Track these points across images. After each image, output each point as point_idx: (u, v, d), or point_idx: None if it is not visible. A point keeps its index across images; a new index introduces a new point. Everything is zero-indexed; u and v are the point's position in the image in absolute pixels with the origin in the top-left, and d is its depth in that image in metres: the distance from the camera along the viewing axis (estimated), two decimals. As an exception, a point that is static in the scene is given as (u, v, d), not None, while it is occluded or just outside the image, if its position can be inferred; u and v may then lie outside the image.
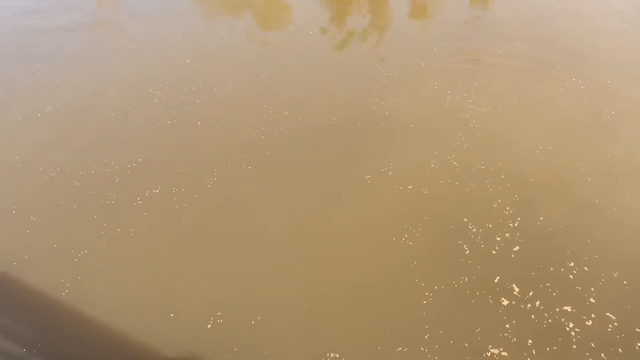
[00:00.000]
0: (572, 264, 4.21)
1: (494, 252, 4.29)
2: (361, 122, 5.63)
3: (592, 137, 5.44)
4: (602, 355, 3.66)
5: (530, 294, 4.00)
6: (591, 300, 3.97)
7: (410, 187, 4.85)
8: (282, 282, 4.11)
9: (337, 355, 3.65)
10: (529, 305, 3.93)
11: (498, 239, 4.37)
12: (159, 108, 5.93)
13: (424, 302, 3.95)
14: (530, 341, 3.73)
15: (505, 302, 3.94)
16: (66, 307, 3.98)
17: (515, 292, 4.01)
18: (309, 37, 7.32)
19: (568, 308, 3.92)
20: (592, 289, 4.04)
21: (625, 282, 4.08)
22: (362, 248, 4.34)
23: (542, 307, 3.93)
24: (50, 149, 5.40)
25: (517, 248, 4.32)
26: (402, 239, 4.38)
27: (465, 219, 4.55)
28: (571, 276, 4.13)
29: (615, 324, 3.83)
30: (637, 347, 3.70)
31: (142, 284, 4.12)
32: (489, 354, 3.63)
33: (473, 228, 4.47)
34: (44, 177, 5.06)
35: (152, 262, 4.28)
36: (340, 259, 4.25)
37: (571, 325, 3.82)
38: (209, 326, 3.83)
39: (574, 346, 3.70)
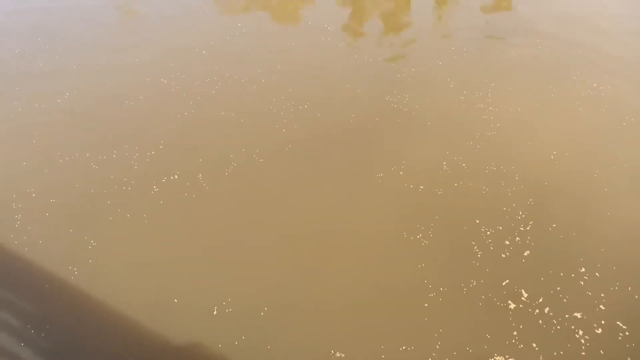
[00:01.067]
0: (583, 269, 4.15)
1: (503, 255, 4.24)
2: (378, 118, 5.61)
3: (610, 144, 5.35)
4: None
5: (540, 300, 3.94)
6: (601, 307, 3.90)
7: (422, 187, 4.81)
8: (291, 276, 4.10)
9: (343, 355, 3.63)
10: (537, 310, 3.88)
11: (507, 242, 4.32)
12: (176, 98, 5.97)
13: (431, 302, 3.91)
14: (537, 347, 3.67)
15: (513, 306, 3.89)
16: (75, 290, 4.02)
17: (523, 297, 3.96)
18: (327, 33, 7.31)
19: (578, 314, 3.86)
20: (603, 295, 3.97)
21: (631, 288, 4.01)
22: (371, 246, 4.31)
23: (551, 313, 3.87)
24: (70, 132, 5.47)
25: (527, 252, 4.26)
26: (412, 238, 4.35)
27: (477, 221, 4.51)
28: (582, 282, 4.06)
29: (627, 333, 3.76)
30: (647, 358, 3.63)
31: (151, 272, 4.14)
32: (496, 359, 3.58)
33: (485, 230, 4.42)
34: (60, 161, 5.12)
35: (164, 250, 4.30)
36: (350, 256, 4.23)
37: (581, 332, 3.75)
38: (214, 313, 3.84)
39: (583, 353, 3.64)
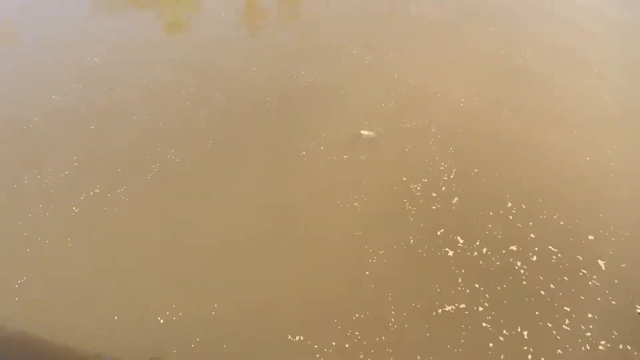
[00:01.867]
0: (510, 204, 4.29)
1: (434, 207, 4.30)
2: (293, 95, 5.49)
3: (512, 82, 5.56)
4: (551, 285, 3.74)
5: (477, 242, 4.03)
6: (532, 235, 4.05)
7: (346, 156, 4.77)
8: (229, 259, 3.93)
9: (301, 338, 3.53)
10: (475, 253, 3.96)
11: (435, 194, 4.38)
12: (77, 111, 5.52)
13: (374, 267, 3.88)
14: (481, 287, 3.75)
15: (452, 254, 3.95)
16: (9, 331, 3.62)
17: (460, 243, 4.03)
18: (222, 20, 7.06)
19: (513, 247, 3.98)
20: (532, 224, 4.13)
21: (557, 215, 4.20)
22: (308, 223, 4.22)
23: (489, 252, 3.97)
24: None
25: (456, 199, 4.34)
26: (346, 206, 4.30)
27: (404, 178, 4.53)
28: (510, 217, 4.20)
29: (559, 255, 3.93)
30: (580, 274, 3.81)
31: (84, 295, 3.81)
32: (446, 310, 3.62)
33: (413, 186, 4.45)
34: None
35: (97, 268, 3.97)
36: (288, 236, 4.12)
37: (519, 263, 3.88)
38: (161, 322, 3.60)
39: (524, 282, 3.77)
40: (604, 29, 6.39)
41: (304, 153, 4.81)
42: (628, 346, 3.40)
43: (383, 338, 3.47)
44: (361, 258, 3.94)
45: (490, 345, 3.43)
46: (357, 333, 3.51)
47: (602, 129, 5.05)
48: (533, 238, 4.05)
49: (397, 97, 5.40)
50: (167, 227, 4.18)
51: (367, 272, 3.85)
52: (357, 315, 3.59)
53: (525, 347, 3.42)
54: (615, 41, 6.19)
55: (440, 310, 3.61)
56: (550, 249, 3.97)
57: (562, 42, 6.15)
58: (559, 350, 3.40)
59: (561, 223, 4.16)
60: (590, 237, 4.04)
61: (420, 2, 7.06)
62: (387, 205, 4.34)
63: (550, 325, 3.53)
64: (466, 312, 3.60)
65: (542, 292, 3.70)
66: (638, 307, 3.61)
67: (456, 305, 3.65)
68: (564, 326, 3.52)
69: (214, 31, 6.77)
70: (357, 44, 6.21)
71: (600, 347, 3.41)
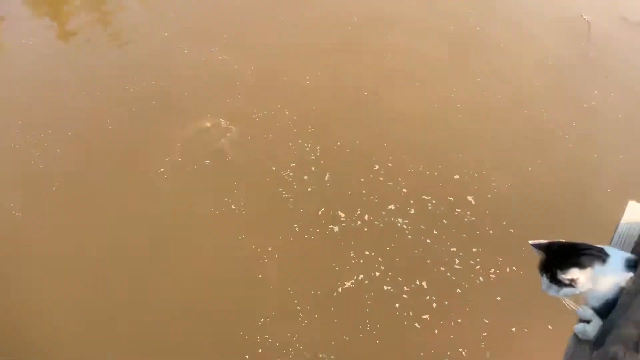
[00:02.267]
0: (377, 167, 4.39)
1: (310, 189, 4.24)
2: (132, 109, 5.03)
3: (348, 52, 5.69)
4: (434, 232, 3.90)
5: (358, 211, 4.05)
6: (404, 190, 4.19)
7: (207, 161, 4.51)
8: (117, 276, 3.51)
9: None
10: (359, 222, 3.99)
11: (307, 177, 4.32)
12: None
13: (266, 267, 3.73)
14: (372, 253, 3.79)
15: (337, 229, 3.93)
16: None
17: (342, 217, 4.02)
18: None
19: (392, 206, 4.08)
20: (401, 179, 4.27)
21: (422, 165, 4.40)
22: (188, 235, 3.96)
23: (371, 218, 4.02)
24: None
25: (327, 176, 4.33)
26: (223, 211, 4.07)
27: (274, 168, 4.41)
28: (381, 178, 4.30)
29: (433, 201, 4.11)
30: (455, 213, 4.02)
31: None
32: (346, 286, 3.59)
33: (284, 173, 4.35)
34: None
35: None
36: (172, 251, 3.82)
37: (400, 219, 3.99)
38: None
39: (409, 236, 3.88)
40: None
41: (162, 170, 4.45)
42: (514, 267, 3.67)
43: (296, 336, 3.35)
44: (251, 262, 3.75)
45: (397, 305, 3.48)
46: (267, 337, 3.34)
47: (439, 76, 5.38)
48: (406, 192, 4.19)
49: (245, 89, 5.23)
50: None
51: (261, 275, 3.67)
52: (262, 320, 3.42)
53: (428, 297, 3.53)
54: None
55: (341, 289, 3.58)
56: (424, 198, 4.14)
57: (387, 7, 6.42)
58: (458, 290, 3.57)
59: (427, 173, 4.35)
60: (456, 177, 4.29)
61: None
62: (264, 199, 4.19)
63: (443, 269, 3.68)
64: (366, 282, 3.61)
65: (428, 241, 3.85)
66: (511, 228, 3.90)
67: (355, 277, 3.64)
68: (455, 266, 3.69)
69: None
70: (186, 44, 5.89)
71: (491, 276, 3.64)
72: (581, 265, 1.53)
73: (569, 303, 1.73)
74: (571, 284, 1.54)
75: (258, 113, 4.94)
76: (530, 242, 1.67)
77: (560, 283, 1.56)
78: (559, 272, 1.54)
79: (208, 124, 4.87)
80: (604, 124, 4.85)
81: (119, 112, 5.04)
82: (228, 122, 4.88)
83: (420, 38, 5.92)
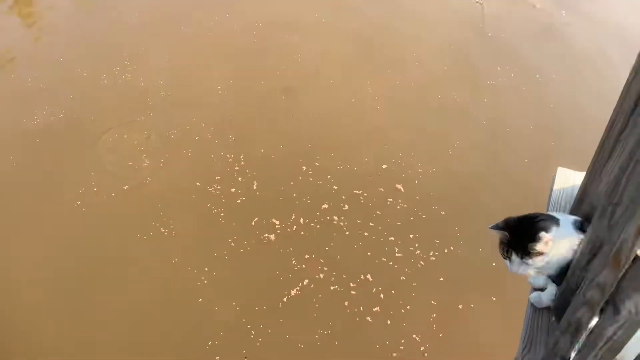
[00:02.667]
0: (304, 167, 4.31)
1: (239, 200, 4.08)
2: (38, 139, 4.58)
3: (256, 56, 5.58)
4: (370, 224, 3.89)
5: (292, 216, 3.95)
6: (335, 187, 4.15)
7: (126, 186, 4.21)
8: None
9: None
10: (295, 226, 3.89)
11: (234, 190, 4.15)
12: None
13: (206, 287, 3.52)
14: (314, 255, 3.71)
15: (274, 237, 3.81)
16: None
17: (277, 225, 3.90)
18: None
19: (325, 205, 4.02)
20: (329, 176, 4.23)
21: (349, 162, 4.38)
22: (119, 264, 3.63)
23: (306, 220, 3.94)
24: None
25: (255, 185, 4.19)
26: (151, 234, 3.81)
27: (198, 184, 4.20)
28: (311, 178, 4.23)
29: (365, 194, 4.10)
30: (388, 203, 4.03)
31: None
32: (292, 295, 3.47)
33: (210, 188, 4.16)
34: None
35: None
36: (105, 283, 3.48)
37: (335, 217, 3.94)
38: None
39: (347, 232, 3.85)
40: None
41: (78, 203, 4.08)
42: (451, 247, 3.73)
43: (250, 355, 3.18)
44: (188, 285, 3.53)
45: (346, 303, 3.42)
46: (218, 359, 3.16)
47: (352, 72, 5.41)
48: (337, 189, 4.15)
49: (155, 106, 4.96)
50: None
51: (201, 299, 3.46)
52: (210, 343, 3.22)
53: (375, 289, 3.50)
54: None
55: (286, 299, 3.46)
56: (355, 192, 4.12)
57: (288, 10, 6.37)
58: (402, 277, 3.58)
59: (355, 168, 4.34)
60: (384, 167, 4.31)
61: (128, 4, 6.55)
62: (194, 217, 3.97)
63: (385, 259, 3.67)
64: (312, 286, 3.53)
65: (366, 233, 3.83)
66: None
67: (300, 284, 3.54)
68: (396, 255, 3.70)
69: None
70: (84, 68, 5.49)
71: (431, 258, 3.69)
72: (546, 229, 1.52)
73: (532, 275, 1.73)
74: (542, 252, 1.52)
75: (173, 129, 4.70)
76: (490, 226, 1.64)
77: (531, 255, 1.53)
78: (530, 244, 1.51)
79: (122, 147, 4.56)
80: (511, 98, 5.11)
81: (22, 148, 4.58)
82: (142, 143, 4.59)
83: (328, 37, 5.93)
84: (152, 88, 5.17)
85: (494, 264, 3.43)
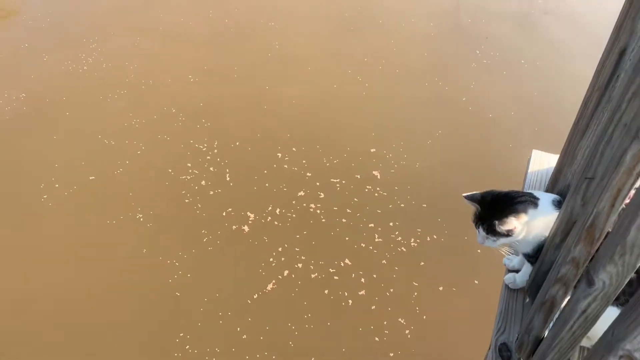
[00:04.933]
0: (280, 154, 4.25)
1: (212, 192, 3.99)
2: (9, 118, 4.44)
3: (224, 42, 5.48)
4: (347, 210, 3.85)
5: (269, 207, 3.88)
6: (309, 174, 4.10)
7: (93, 177, 4.08)
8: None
9: None
10: (269, 217, 3.82)
11: (204, 182, 4.03)
12: None
13: (179, 282, 3.44)
14: (289, 245, 3.64)
15: (247, 229, 3.72)
16: None
17: (251, 216, 3.81)
18: None
19: (301, 193, 3.97)
20: (305, 162, 4.17)
21: (320, 148, 4.33)
22: (98, 261, 3.52)
23: (282, 210, 3.87)
24: None
25: (228, 177, 4.10)
26: (127, 224, 3.71)
27: (171, 171, 4.11)
28: (286, 165, 4.18)
29: (342, 182, 4.05)
30: (366, 190, 4.00)
31: None
32: (268, 289, 3.40)
33: (183, 177, 4.07)
34: None
35: None
36: (87, 278, 3.37)
37: (312, 205, 3.89)
38: None
39: (323, 220, 3.80)
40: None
41: (45, 197, 3.95)
42: (434, 235, 3.72)
43: (233, 349, 3.11)
44: (161, 277, 3.43)
45: (326, 292, 3.37)
46: (196, 351, 3.08)
47: (330, 59, 5.36)
48: (310, 176, 4.10)
49: (129, 95, 4.84)
50: None
51: (179, 293, 3.36)
52: (182, 335, 3.15)
53: (354, 275, 3.46)
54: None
55: (270, 287, 3.38)
56: (332, 181, 4.07)
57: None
58: (384, 261, 3.54)
59: (331, 157, 4.29)
60: (360, 159, 4.27)
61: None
62: (167, 206, 3.88)
63: (364, 245, 3.64)
64: (293, 276, 3.46)
65: (344, 220, 3.80)
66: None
67: (277, 276, 3.46)
68: (376, 240, 3.66)
69: None
70: (48, 53, 5.33)
71: (413, 245, 3.66)
72: (517, 213, 1.50)
73: (504, 251, 1.71)
74: (508, 234, 1.50)
75: (142, 118, 4.59)
76: (464, 195, 1.62)
77: (497, 234, 1.52)
78: (496, 223, 1.49)
79: (91, 135, 4.43)
80: (490, 85, 5.13)
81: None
82: (111, 130, 4.47)
83: (306, 24, 5.87)
84: (121, 74, 5.04)
85: (478, 251, 3.42)
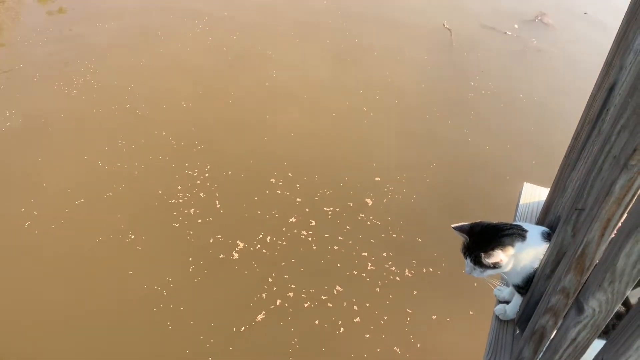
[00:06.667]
0: (273, 180, 4.25)
1: (200, 220, 3.92)
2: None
3: (222, 69, 5.54)
4: (339, 237, 3.83)
5: (261, 234, 3.84)
6: (298, 200, 4.09)
7: (82, 200, 4.04)
8: None
9: None
10: (259, 245, 3.77)
11: (193, 210, 3.98)
12: None
13: (171, 311, 3.38)
14: (278, 275, 3.59)
15: (236, 256, 3.67)
16: None
17: (240, 244, 3.76)
18: None
19: (292, 219, 3.96)
20: (298, 186, 4.18)
21: (317, 176, 4.34)
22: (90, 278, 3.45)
23: (274, 238, 3.83)
24: None
25: (218, 203, 4.06)
26: (121, 240, 3.66)
27: (160, 191, 4.10)
28: (279, 191, 4.18)
29: (336, 209, 4.05)
30: (359, 218, 3.99)
31: None
32: (263, 315, 3.35)
33: (173, 200, 4.04)
34: None
35: None
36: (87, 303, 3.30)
37: (304, 232, 3.87)
38: None
39: (314, 247, 3.77)
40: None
41: (28, 223, 3.86)
42: (430, 268, 3.69)
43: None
44: (146, 303, 3.35)
45: (320, 319, 3.30)
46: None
47: (328, 89, 5.44)
48: (300, 202, 4.09)
49: (121, 118, 4.85)
50: None
51: (165, 320, 3.26)
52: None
53: (346, 303, 3.41)
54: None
55: (260, 318, 3.31)
56: (325, 210, 4.06)
57: (263, 25, 6.39)
58: (377, 289, 3.51)
59: (324, 184, 4.30)
60: (354, 187, 4.29)
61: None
62: (161, 229, 3.82)
63: (355, 272, 3.61)
64: (286, 304, 3.39)
65: (336, 247, 3.78)
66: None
67: (272, 305, 3.38)
68: (369, 268, 3.64)
69: None
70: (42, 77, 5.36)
71: (407, 275, 3.64)
72: (504, 245, 1.51)
73: (493, 282, 1.71)
74: (495, 266, 1.51)
75: (133, 141, 4.59)
76: (453, 225, 1.63)
77: (483, 265, 1.53)
78: (482, 255, 1.50)
79: (79, 157, 4.41)
80: (486, 117, 5.22)
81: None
82: (102, 152, 4.46)
83: (303, 53, 5.97)
84: (114, 95, 5.08)
85: (475, 284, 3.40)
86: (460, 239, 1.66)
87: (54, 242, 3.72)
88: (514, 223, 1.62)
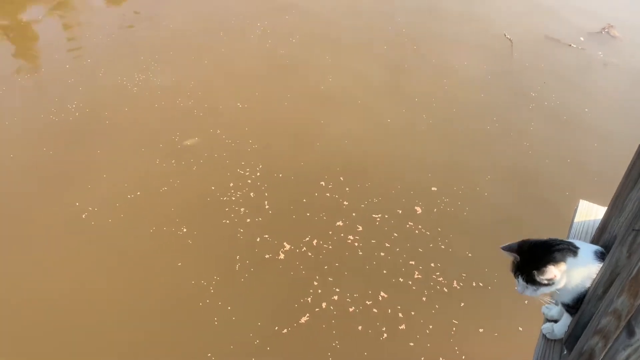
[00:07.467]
0: (323, 183, 4.28)
1: (248, 220, 3.98)
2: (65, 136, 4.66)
3: (279, 71, 5.62)
4: (386, 244, 3.81)
5: (308, 237, 3.87)
6: (345, 203, 4.09)
7: (138, 193, 4.19)
8: None
9: None
10: (304, 248, 3.79)
11: (244, 209, 4.06)
12: None
13: (212, 297, 3.47)
14: (322, 278, 3.61)
15: (283, 257, 3.71)
16: None
17: (287, 246, 3.80)
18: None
19: (339, 223, 3.98)
20: (348, 189, 4.18)
21: (368, 183, 4.34)
22: (142, 263, 3.62)
23: (320, 242, 3.85)
24: None
25: (267, 204, 4.11)
26: (170, 236, 3.79)
27: (213, 188, 4.22)
28: (328, 194, 4.20)
29: (385, 216, 4.03)
30: (407, 226, 3.95)
31: None
32: (308, 317, 3.39)
33: (224, 198, 4.14)
34: None
35: None
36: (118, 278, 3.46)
37: (350, 237, 3.88)
38: None
39: (360, 252, 3.77)
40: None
41: (85, 215, 4.05)
42: (480, 283, 3.62)
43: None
44: (192, 298, 3.44)
45: (364, 325, 3.30)
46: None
47: (383, 96, 5.42)
48: (348, 206, 4.11)
49: (179, 117, 5.02)
50: None
51: (216, 319, 3.33)
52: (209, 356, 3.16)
53: (391, 310, 3.39)
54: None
55: (303, 320, 3.33)
56: (373, 216, 4.06)
57: (323, 28, 6.45)
58: (423, 298, 3.47)
59: (374, 189, 4.29)
60: (411, 192, 4.28)
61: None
62: (208, 226, 3.93)
63: (402, 279, 3.59)
64: (331, 307, 3.41)
65: (382, 254, 3.76)
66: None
67: (317, 308, 3.41)
68: (416, 276, 3.60)
69: None
70: (109, 71, 5.62)
71: (455, 287, 3.57)
72: (556, 261, 1.46)
73: (544, 299, 1.66)
74: (548, 282, 1.47)
75: (190, 138, 4.73)
76: (501, 246, 1.60)
77: (537, 283, 1.48)
78: (536, 273, 1.46)
79: (142, 150, 4.61)
80: (544, 131, 5.06)
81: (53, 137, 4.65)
82: (157, 152, 4.61)
83: (359, 60, 5.99)
84: (174, 95, 5.27)
85: (526, 302, 3.31)
86: (509, 258, 1.63)
87: (110, 232, 3.90)
88: (564, 239, 1.57)
